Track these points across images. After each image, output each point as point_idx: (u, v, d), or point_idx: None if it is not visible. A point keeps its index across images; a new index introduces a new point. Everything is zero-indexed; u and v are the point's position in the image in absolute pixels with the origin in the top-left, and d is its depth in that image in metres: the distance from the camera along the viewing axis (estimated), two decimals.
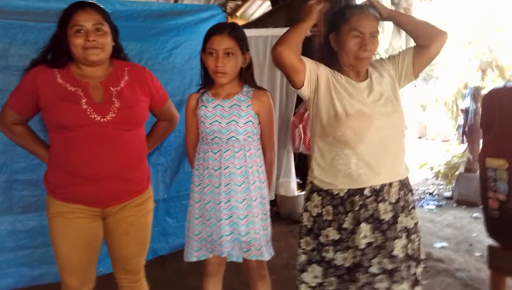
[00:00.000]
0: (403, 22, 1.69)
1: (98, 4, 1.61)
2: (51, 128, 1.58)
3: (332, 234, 1.61)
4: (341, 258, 1.60)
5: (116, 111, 1.56)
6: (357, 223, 1.57)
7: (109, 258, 1.78)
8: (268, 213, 1.85)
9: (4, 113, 1.65)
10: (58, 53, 1.58)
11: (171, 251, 2.76)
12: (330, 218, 1.62)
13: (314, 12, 1.56)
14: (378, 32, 1.60)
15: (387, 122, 1.59)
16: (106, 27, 1.58)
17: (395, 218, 1.59)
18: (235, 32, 1.73)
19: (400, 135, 1.66)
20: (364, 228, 1.56)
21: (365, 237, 1.56)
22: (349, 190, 1.59)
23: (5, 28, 2.16)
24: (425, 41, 1.61)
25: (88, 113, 1.53)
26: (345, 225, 1.59)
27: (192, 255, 1.82)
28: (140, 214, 1.71)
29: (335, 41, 1.63)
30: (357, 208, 1.57)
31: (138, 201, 1.69)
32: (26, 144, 1.73)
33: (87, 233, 1.63)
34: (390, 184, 1.60)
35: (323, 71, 1.62)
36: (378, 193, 1.58)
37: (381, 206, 1.57)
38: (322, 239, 1.63)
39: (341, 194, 1.60)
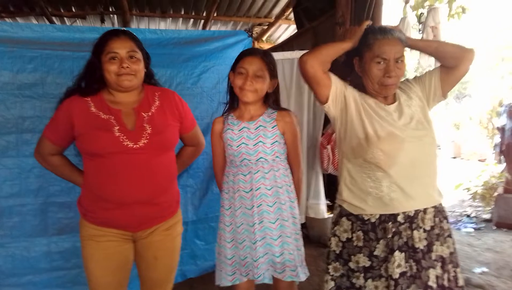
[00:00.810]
0: (422, 48, 1.65)
1: (132, 32, 1.68)
2: (84, 155, 1.62)
3: (362, 260, 1.56)
4: (373, 286, 1.53)
5: (148, 137, 1.59)
6: (390, 251, 1.50)
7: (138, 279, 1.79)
8: (300, 233, 1.83)
9: (40, 144, 1.70)
10: (91, 79, 1.63)
11: (200, 273, 2.76)
12: (360, 244, 1.56)
13: (359, 33, 1.57)
14: (403, 56, 1.54)
15: (419, 145, 1.54)
16: (139, 54, 1.63)
17: (429, 246, 1.52)
18: (267, 58, 1.78)
19: (432, 158, 1.60)
20: (398, 256, 1.48)
21: (399, 266, 1.48)
22: (381, 215, 1.53)
23: (43, 58, 2.28)
24: (451, 62, 1.57)
25: (121, 140, 1.56)
26: (376, 253, 1.53)
27: (226, 280, 1.81)
28: (169, 239, 1.72)
29: (359, 66, 1.62)
30: (390, 235, 1.51)
31: (167, 225, 1.70)
32: (62, 174, 1.77)
33: (118, 256, 1.64)
34: (425, 211, 1.54)
35: (351, 93, 1.60)
36: (412, 219, 1.51)
37: (416, 233, 1.50)
38: (352, 265, 1.58)
39: (372, 220, 1.55)
